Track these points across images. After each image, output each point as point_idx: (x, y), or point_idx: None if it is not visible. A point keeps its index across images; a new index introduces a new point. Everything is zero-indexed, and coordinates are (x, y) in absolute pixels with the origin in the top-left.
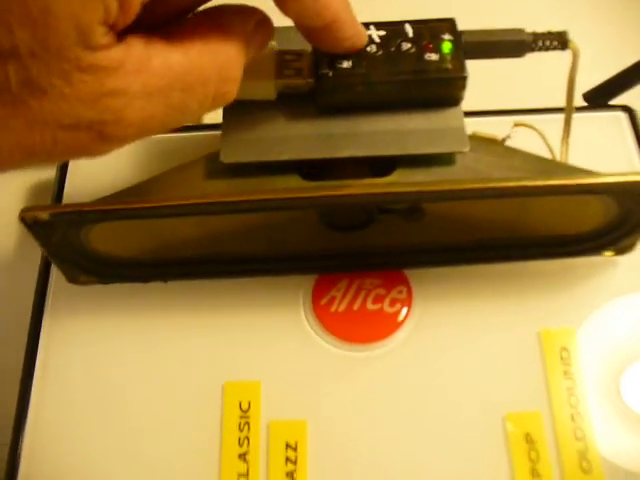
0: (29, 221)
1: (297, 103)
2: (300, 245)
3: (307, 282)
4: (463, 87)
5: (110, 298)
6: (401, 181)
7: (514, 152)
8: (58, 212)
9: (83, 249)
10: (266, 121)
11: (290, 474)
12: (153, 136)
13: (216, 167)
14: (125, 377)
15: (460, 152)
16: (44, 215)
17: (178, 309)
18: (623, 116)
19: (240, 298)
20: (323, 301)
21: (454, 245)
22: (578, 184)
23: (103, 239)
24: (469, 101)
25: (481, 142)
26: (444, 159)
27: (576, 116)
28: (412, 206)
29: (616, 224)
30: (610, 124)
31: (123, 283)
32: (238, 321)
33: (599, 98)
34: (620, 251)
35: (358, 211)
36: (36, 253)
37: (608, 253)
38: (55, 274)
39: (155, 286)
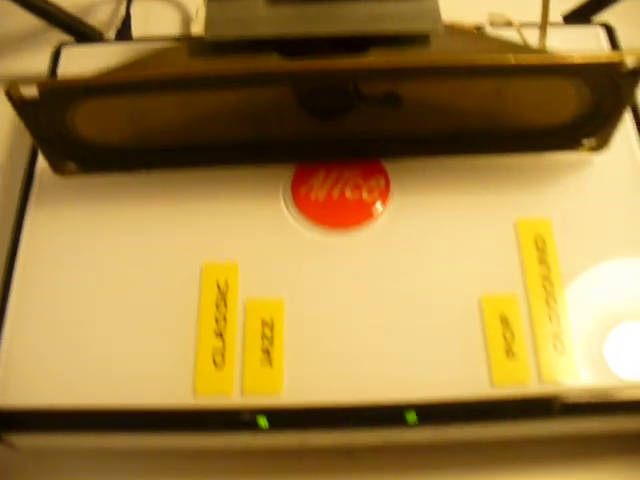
0: (15, 97)
1: None
2: (281, 133)
3: (287, 172)
4: None
5: (93, 190)
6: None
7: (490, 37)
8: (45, 85)
9: (69, 133)
10: (248, 4)
11: (266, 350)
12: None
13: (199, 48)
14: (107, 261)
15: (434, 31)
16: (31, 90)
17: (160, 198)
18: (602, 33)
19: (221, 188)
20: (302, 190)
21: (431, 135)
22: (551, 63)
23: (88, 124)
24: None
25: (456, 30)
26: (419, 40)
27: (554, 31)
28: (388, 92)
29: (590, 114)
30: (588, 41)
31: (106, 172)
32: (219, 208)
33: (578, 19)
34: (595, 147)
35: (335, 92)
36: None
37: (584, 149)
38: (40, 168)
39: (137, 178)
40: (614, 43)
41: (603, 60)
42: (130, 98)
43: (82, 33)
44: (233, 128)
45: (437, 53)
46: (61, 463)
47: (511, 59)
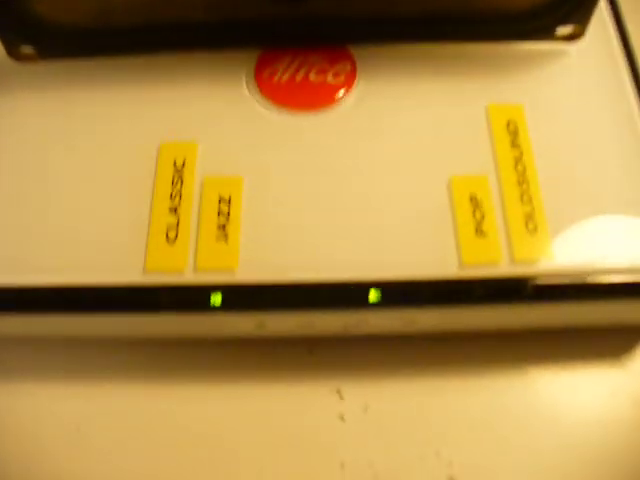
0: None
1: None
2: (246, 15)
3: (251, 57)
4: None
5: (50, 76)
6: None
7: None
8: None
9: (24, 10)
10: None
11: (222, 226)
12: None
13: None
14: (64, 142)
15: None
16: None
17: (119, 84)
18: None
19: (184, 72)
20: (266, 73)
21: (401, 20)
22: None
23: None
24: None
25: None
26: None
27: None
28: None
29: None
30: None
31: (63, 57)
32: (181, 91)
33: None
34: (570, 36)
35: None
36: None
37: (558, 38)
38: None
39: (95, 64)
40: None
41: None
42: None
43: None
44: (197, 10)
45: None
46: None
47: None
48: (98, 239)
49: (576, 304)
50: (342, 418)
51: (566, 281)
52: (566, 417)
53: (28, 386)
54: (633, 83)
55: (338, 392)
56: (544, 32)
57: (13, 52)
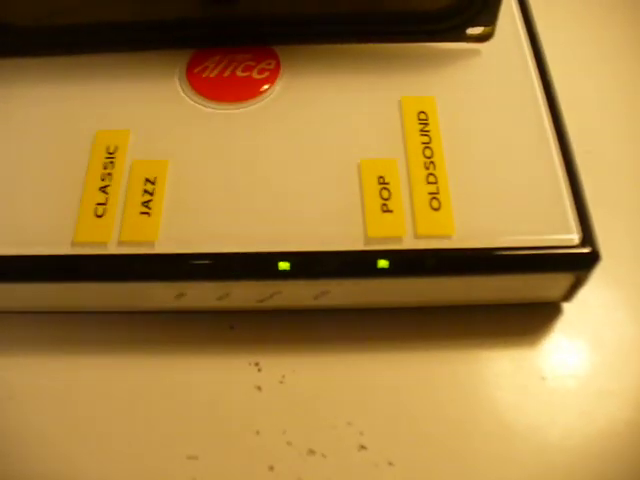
0: None
1: None
2: (175, 16)
3: (185, 56)
4: None
5: None
6: None
7: None
8: None
9: None
10: None
11: (146, 203)
12: None
13: None
14: (8, 132)
15: None
16: None
17: (60, 82)
18: None
19: (122, 70)
20: (196, 70)
21: (320, 22)
22: None
23: None
24: None
25: None
26: None
27: None
28: None
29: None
30: None
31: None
32: (119, 87)
33: None
34: (480, 37)
35: None
36: None
37: (470, 39)
38: None
39: (34, 62)
40: None
41: None
42: None
43: None
44: (129, 10)
45: None
46: None
47: None
48: (33, 216)
49: (474, 278)
50: (259, 389)
51: (465, 255)
52: (474, 391)
53: None
54: (539, 80)
55: (256, 365)
56: (455, 33)
57: None
